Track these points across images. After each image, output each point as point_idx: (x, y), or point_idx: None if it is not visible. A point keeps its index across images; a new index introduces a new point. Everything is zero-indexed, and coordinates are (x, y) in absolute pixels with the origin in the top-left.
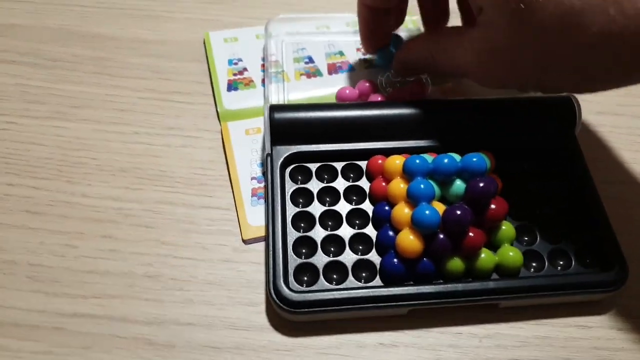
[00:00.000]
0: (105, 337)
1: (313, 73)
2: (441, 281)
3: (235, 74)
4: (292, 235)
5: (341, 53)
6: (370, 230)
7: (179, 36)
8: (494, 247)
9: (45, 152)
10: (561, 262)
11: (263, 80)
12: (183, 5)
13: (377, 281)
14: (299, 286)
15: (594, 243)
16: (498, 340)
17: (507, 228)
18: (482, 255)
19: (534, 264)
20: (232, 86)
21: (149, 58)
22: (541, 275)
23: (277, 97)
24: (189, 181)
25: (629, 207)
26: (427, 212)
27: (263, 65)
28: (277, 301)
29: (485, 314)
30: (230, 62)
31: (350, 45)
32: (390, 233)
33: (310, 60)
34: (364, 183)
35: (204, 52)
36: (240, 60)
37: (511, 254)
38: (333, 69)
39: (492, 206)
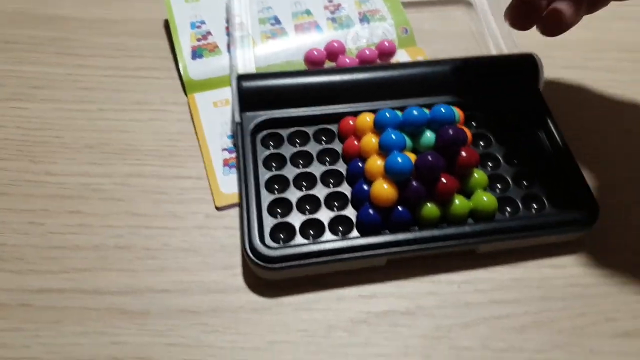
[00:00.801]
0: (76, 310)
1: (280, 35)
2: (417, 228)
3: (199, 39)
4: (267, 197)
5: (308, 12)
6: (345, 188)
7: (143, 14)
8: (468, 195)
9: (4, 132)
10: (535, 206)
11: (228, 45)
12: None
13: (355, 234)
14: (275, 244)
15: (565, 186)
16: (476, 285)
17: (479, 175)
18: (456, 201)
19: (508, 209)
20: (196, 53)
21: (113, 37)
22: (516, 217)
23: (244, 63)
24: (159, 153)
25: (595, 155)
26: (399, 159)
27: (227, 28)
28: (254, 258)
29: (462, 261)
30: (192, 25)
31: (317, 2)
32: (365, 187)
33: (277, 20)
34: (336, 145)
35: (168, 29)
36: (203, 22)
37: (485, 199)
38: (300, 30)
39: (463, 154)
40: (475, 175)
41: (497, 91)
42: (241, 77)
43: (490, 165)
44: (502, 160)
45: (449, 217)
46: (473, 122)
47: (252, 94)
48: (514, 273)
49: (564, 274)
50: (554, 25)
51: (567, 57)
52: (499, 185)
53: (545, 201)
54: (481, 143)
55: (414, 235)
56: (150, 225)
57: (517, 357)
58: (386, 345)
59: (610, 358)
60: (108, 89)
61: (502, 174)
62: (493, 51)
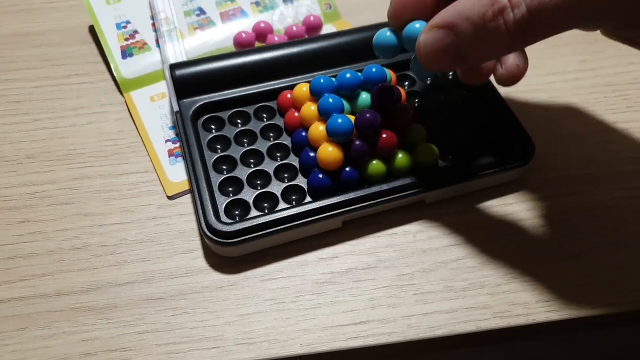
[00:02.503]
0: (41, 314)
1: (207, 25)
2: (366, 186)
3: (127, 39)
4: (216, 178)
5: None
6: (292, 159)
7: (65, 24)
8: (410, 149)
9: None
10: (474, 150)
11: (157, 41)
12: None
13: (308, 200)
14: (232, 220)
15: (499, 128)
16: (430, 232)
17: (417, 129)
18: (399, 155)
19: (450, 157)
20: (126, 53)
21: (37, 48)
22: (457, 164)
23: (175, 56)
24: (102, 153)
25: (523, 96)
26: (339, 120)
27: (153, 25)
28: (212, 236)
29: (414, 212)
30: (118, 26)
31: None
32: (311, 153)
33: (202, 11)
34: (278, 120)
35: (94, 34)
36: (128, 22)
37: (425, 150)
38: (226, 17)
39: (399, 109)
40: (414, 128)
41: None
42: (174, 66)
43: (427, 119)
44: (437, 113)
45: (394, 172)
46: (405, 82)
47: (187, 81)
48: (464, 217)
49: (510, 211)
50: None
51: None
52: (438, 137)
53: (483, 144)
54: (415, 100)
55: (364, 192)
56: (104, 223)
57: (479, 292)
58: (353, 301)
59: (561, 280)
60: (40, 99)
61: (439, 125)
62: None
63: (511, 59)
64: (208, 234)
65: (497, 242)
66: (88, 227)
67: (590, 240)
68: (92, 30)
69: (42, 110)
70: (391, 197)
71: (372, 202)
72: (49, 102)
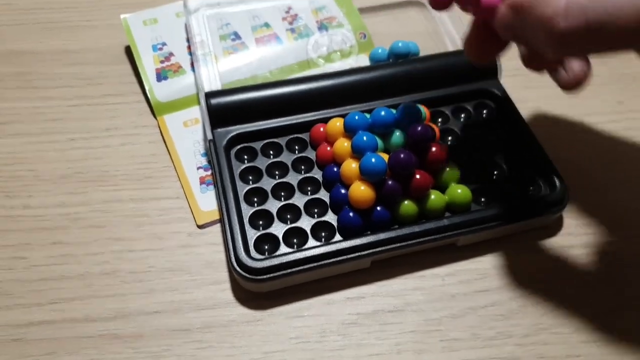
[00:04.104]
0: (70, 339)
1: (242, 50)
2: (397, 227)
3: (162, 61)
4: (247, 210)
5: (267, 25)
6: (323, 194)
7: (102, 42)
8: (442, 189)
9: None
10: (508, 193)
11: (192, 64)
12: (102, 13)
13: (337, 238)
14: (261, 255)
15: (533, 172)
16: (460, 276)
17: (451, 169)
18: (432, 196)
19: (483, 199)
20: (161, 75)
21: (74, 67)
22: (491, 207)
23: (209, 81)
24: (134, 177)
25: (558, 137)
26: (373, 159)
27: (189, 47)
28: (241, 271)
29: (445, 254)
30: (154, 48)
31: (275, 14)
32: (342, 190)
33: (237, 36)
34: (309, 153)
35: (130, 53)
36: (164, 44)
37: (459, 191)
38: (261, 43)
39: (433, 149)
40: (448, 169)
41: (458, 85)
42: (209, 95)
43: (461, 158)
44: (471, 153)
45: (426, 213)
46: (439, 119)
47: (222, 111)
48: (495, 261)
49: (542, 257)
50: (578, 86)
51: None
52: (471, 177)
53: (517, 188)
54: (449, 138)
55: (395, 233)
56: (134, 249)
57: (506, 342)
58: (379, 345)
59: (593, 334)
60: (76, 118)
61: (473, 166)
62: (450, 47)
63: (577, 65)
64: (238, 269)
65: (527, 290)
66: (118, 252)
67: (625, 293)
68: (128, 50)
69: (78, 130)
70: (422, 239)
71: (403, 244)
72: (85, 121)
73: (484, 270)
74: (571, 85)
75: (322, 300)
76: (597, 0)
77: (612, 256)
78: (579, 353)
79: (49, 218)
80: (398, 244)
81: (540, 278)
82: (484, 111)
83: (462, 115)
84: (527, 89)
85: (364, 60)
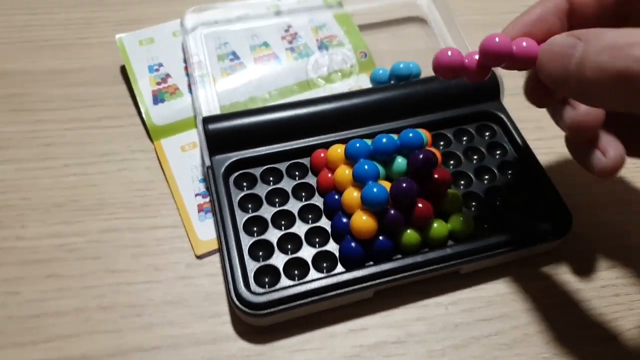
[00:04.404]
0: None
1: (240, 71)
2: (400, 256)
3: (158, 83)
4: (246, 240)
5: (266, 44)
6: (324, 222)
7: (97, 61)
8: (444, 216)
9: None
10: (511, 220)
11: (189, 86)
12: (97, 30)
13: (339, 269)
14: (261, 288)
15: (537, 197)
16: (463, 305)
17: (453, 196)
18: (435, 224)
19: (486, 225)
20: (157, 98)
21: (69, 88)
22: (494, 234)
23: (207, 104)
24: (131, 204)
25: (561, 159)
26: (375, 189)
27: (186, 69)
28: (241, 306)
29: (447, 282)
30: (151, 69)
31: (274, 33)
32: (344, 219)
33: (235, 56)
34: (310, 179)
35: (125, 73)
36: (161, 65)
37: (462, 219)
38: (260, 62)
39: (435, 176)
40: (450, 195)
41: (460, 107)
42: (207, 120)
43: (463, 183)
44: (473, 177)
45: (429, 242)
46: (441, 142)
47: (220, 136)
48: (498, 289)
49: (545, 285)
50: (615, 173)
51: None
52: (473, 203)
53: (520, 214)
54: (451, 162)
55: (398, 264)
56: (132, 281)
57: None
58: None
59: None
60: (71, 142)
61: (475, 191)
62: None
63: (613, 150)
64: (237, 304)
65: (531, 318)
66: (115, 285)
67: (630, 319)
68: (124, 69)
69: (72, 155)
70: (426, 269)
71: (406, 274)
72: (80, 146)
73: (487, 298)
74: (608, 172)
75: (324, 333)
76: None
77: (612, 282)
78: None
79: (42, 250)
80: (401, 275)
81: (544, 305)
82: (487, 134)
83: (464, 139)
84: (529, 109)
85: (364, 80)
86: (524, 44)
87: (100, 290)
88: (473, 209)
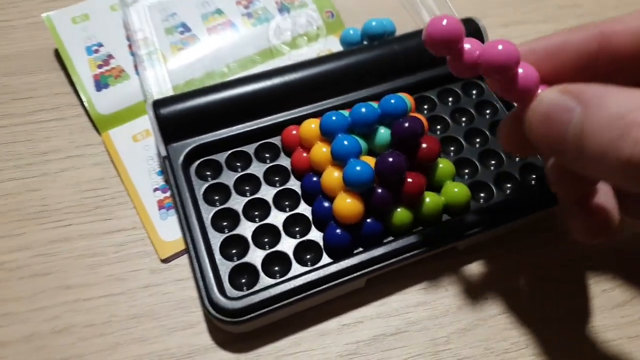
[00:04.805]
0: None
1: (193, 44)
2: (392, 238)
3: (100, 66)
4: (216, 238)
5: (219, 12)
6: (303, 209)
7: (24, 46)
8: (436, 188)
9: None
10: (508, 185)
11: (136, 66)
12: (20, 9)
13: (325, 259)
14: (239, 291)
15: (535, 158)
16: (463, 284)
17: (444, 165)
18: (427, 199)
19: (482, 195)
20: (100, 83)
21: None
22: (492, 203)
23: (158, 85)
24: (81, 208)
25: None
26: (358, 167)
27: (130, 47)
28: (217, 314)
29: (444, 261)
30: (89, 50)
31: None
32: (325, 204)
33: (186, 28)
34: (283, 160)
35: (60, 57)
36: (100, 45)
37: (456, 190)
38: (214, 33)
39: (423, 145)
40: (441, 165)
41: (441, 65)
42: (157, 104)
43: (453, 149)
44: (463, 142)
45: (422, 219)
46: (425, 106)
47: (174, 121)
48: (500, 263)
49: (550, 252)
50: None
51: (505, 14)
52: (466, 170)
53: (518, 177)
54: (438, 127)
55: (391, 247)
56: (90, 297)
57: (523, 354)
58: None
59: (609, 329)
60: (3, 142)
61: (468, 157)
62: (428, 20)
63: (601, 214)
64: (212, 312)
65: (539, 291)
66: (71, 303)
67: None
68: (57, 53)
69: (7, 157)
70: (421, 250)
71: (400, 257)
72: (14, 145)
73: (490, 274)
74: (587, 239)
75: (314, 332)
76: None
77: (625, 246)
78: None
79: None
80: (395, 259)
81: (550, 276)
82: (474, 92)
83: (450, 100)
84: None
85: (334, 43)
86: (521, 70)
87: (53, 312)
88: (466, 177)
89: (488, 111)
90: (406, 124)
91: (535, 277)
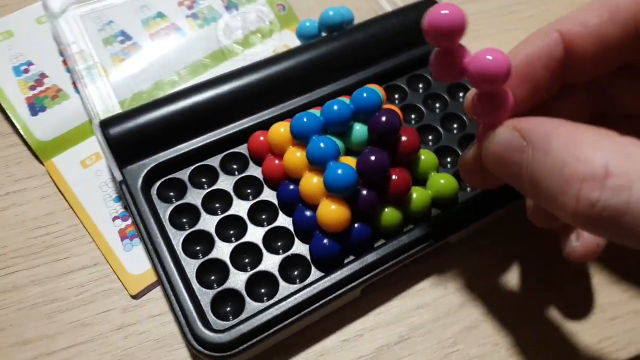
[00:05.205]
0: None
1: (136, 53)
2: (383, 241)
3: (32, 87)
4: (191, 265)
5: (161, 15)
6: (282, 221)
7: None
8: (421, 181)
9: None
10: None
11: (74, 84)
12: None
13: (315, 273)
14: (224, 322)
15: None
16: (462, 279)
17: (426, 156)
18: (414, 195)
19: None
20: (35, 107)
21: None
22: (481, 190)
23: (102, 102)
24: (31, 249)
25: None
26: (339, 171)
27: (65, 62)
28: (204, 350)
29: (439, 257)
30: (17, 71)
31: (168, 1)
32: (307, 213)
33: (126, 36)
34: (253, 170)
35: None
36: (30, 63)
37: (443, 182)
38: (158, 38)
39: (403, 138)
40: (423, 157)
41: (406, 51)
42: (105, 124)
43: (431, 138)
44: (441, 130)
45: (411, 215)
46: (395, 95)
47: (127, 141)
48: (497, 253)
49: (551, 237)
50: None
51: None
52: (448, 159)
53: None
54: (412, 116)
55: (384, 251)
56: (53, 350)
57: (532, 346)
58: None
59: (617, 306)
60: None
61: (448, 145)
62: (387, 7)
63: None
64: (198, 347)
65: (542, 278)
66: None
67: None
68: None
69: None
70: (415, 249)
71: (395, 260)
72: None
73: (488, 265)
74: (579, 257)
75: (313, 354)
76: None
77: None
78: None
79: None
80: (389, 263)
81: (548, 262)
82: None
83: (421, 86)
84: (479, 39)
85: (289, 37)
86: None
87: None
88: (449, 165)
89: (461, 94)
90: (383, 118)
91: (535, 262)
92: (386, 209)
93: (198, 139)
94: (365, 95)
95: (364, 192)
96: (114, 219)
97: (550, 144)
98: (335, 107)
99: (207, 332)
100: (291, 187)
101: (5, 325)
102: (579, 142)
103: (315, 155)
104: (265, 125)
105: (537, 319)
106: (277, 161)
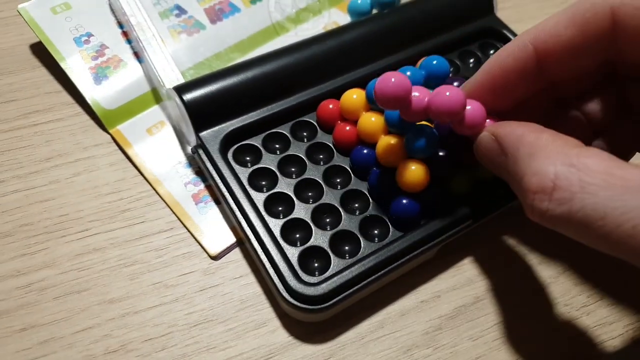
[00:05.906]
0: None
1: (193, 27)
2: (457, 202)
3: (94, 57)
4: (275, 224)
5: None
6: (356, 184)
7: (5, 42)
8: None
9: None
10: None
11: (135, 54)
12: None
13: (393, 233)
14: (312, 277)
15: None
16: (533, 242)
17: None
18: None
19: None
20: (99, 76)
21: None
22: None
23: (166, 72)
24: (106, 214)
25: None
26: (422, 133)
27: (124, 34)
28: (299, 304)
29: (504, 221)
30: (78, 42)
31: None
32: (384, 176)
33: (181, 10)
34: (323, 138)
35: (40, 52)
36: (90, 35)
37: None
38: (214, 15)
39: (468, 107)
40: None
41: (456, 28)
42: (180, 90)
43: None
44: None
45: (481, 178)
46: (450, 68)
47: (203, 107)
48: None
49: None
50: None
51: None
52: None
53: None
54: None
55: (463, 211)
56: (140, 309)
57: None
58: (474, 346)
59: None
60: None
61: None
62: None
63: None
64: (294, 302)
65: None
66: (119, 319)
67: None
68: (36, 48)
69: (6, 169)
70: (493, 210)
71: (474, 221)
72: (11, 154)
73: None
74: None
75: (392, 312)
76: (590, 189)
77: None
78: None
79: (2, 297)
80: (467, 223)
81: None
82: (491, 52)
83: (471, 61)
84: (521, 22)
85: (338, 15)
86: (469, 107)
87: (102, 330)
88: None
89: None
90: (455, 83)
91: None
92: (458, 173)
93: (268, 107)
94: (435, 62)
95: (441, 153)
96: (186, 184)
97: (518, 152)
98: (408, 73)
99: (301, 286)
100: (365, 151)
101: (90, 285)
102: (536, 154)
103: (396, 119)
104: (333, 94)
105: (596, 285)
106: (348, 127)
